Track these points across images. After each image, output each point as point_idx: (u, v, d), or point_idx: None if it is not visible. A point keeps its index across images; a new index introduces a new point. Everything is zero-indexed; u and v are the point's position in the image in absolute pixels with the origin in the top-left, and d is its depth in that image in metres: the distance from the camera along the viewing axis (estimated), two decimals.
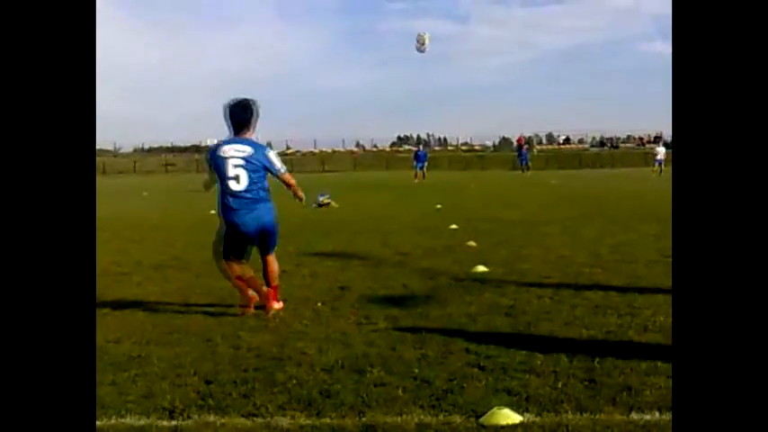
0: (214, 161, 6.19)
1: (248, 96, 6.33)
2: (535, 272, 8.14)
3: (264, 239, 6.37)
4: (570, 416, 3.73)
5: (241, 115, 6.24)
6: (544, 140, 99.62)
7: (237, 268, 6.34)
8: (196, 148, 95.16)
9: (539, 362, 4.64)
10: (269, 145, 6.30)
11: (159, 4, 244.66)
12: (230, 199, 6.14)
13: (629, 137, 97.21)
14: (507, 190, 28.61)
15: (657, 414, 3.71)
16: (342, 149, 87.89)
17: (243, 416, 3.85)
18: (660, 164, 42.64)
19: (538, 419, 3.70)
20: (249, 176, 6.11)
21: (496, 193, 26.90)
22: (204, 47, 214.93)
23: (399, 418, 3.75)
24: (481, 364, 4.61)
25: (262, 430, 3.67)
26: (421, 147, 44.87)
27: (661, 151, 45.22)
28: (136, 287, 7.84)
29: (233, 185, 6.11)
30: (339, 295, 7.03)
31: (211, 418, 3.83)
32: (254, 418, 3.81)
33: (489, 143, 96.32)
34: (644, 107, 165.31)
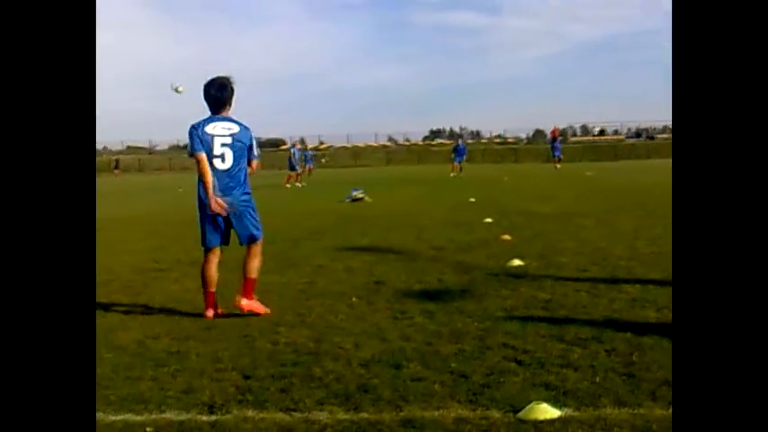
0: (199, 138, 6.02)
1: (225, 74, 6.21)
2: (572, 265, 8.08)
3: (237, 225, 6.21)
4: (609, 410, 3.69)
5: (220, 93, 6.12)
6: (578, 132, 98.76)
7: (214, 258, 6.29)
8: None
9: (576, 356, 4.61)
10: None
11: (190, 2, 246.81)
12: (212, 178, 6.02)
13: (665, 128, 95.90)
14: (541, 182, 28.40)
15: None
16: (375, 144, 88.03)
17: (281, 410, 3.88)
18: None
19: (576, 414, 3.68)
20: (234, 156, 6.05)
21: (530, 185, 26.71)
22: (235, 44, 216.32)
23: (437, 413, 3.75)
24: (518, 359, 4.59)
25: (300, 425, 3.69)
26: (460, 141, 44.56)
27: None
28: (174, 283, 7.93)
29: (217, 164, 6.02)
30: (374, 290, 7.04)
31: (250, 413, 3.86)
32: (293, 413, 3.83)
33: (523, 135, 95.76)
34: None
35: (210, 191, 6.00)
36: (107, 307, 6.58)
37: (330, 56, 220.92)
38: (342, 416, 3.78)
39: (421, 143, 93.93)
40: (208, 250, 6.29)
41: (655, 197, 17.92)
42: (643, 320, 5.45)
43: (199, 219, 6.27)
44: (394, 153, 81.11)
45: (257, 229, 6.34)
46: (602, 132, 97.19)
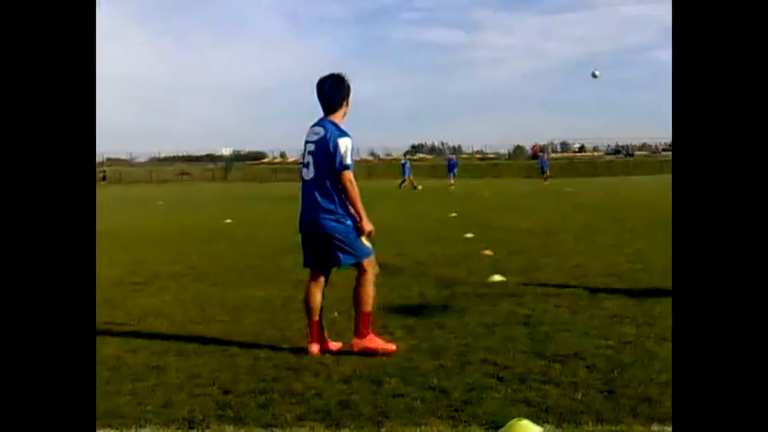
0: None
1: (338, 72, 5.39)
2: (552, 281, 8.11)
3: (323, 249, 5.28)
4: (590, 427, 3.70)
5: (336, 91, 5.33)
6: (559, 148, 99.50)
7: (314, 284, 5.44)
8: (210, 157, 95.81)
9: (557, 372, 4.62)
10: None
11: (172, 16, 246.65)
12: (301, 190, 5.35)
13: (643, 145, 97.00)
14: (522, 198, 28.54)
15: None
16: (356, 158, 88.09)
17: (261, 426, 3.85)
18: None
19: (558, 431, 3.68)
20: (315, 165, 5.21)
21: (511, 201, 26.84)
22: (217, 57, 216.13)
23: (417, 429, 3.74)
24: (499, 375, 4.59)
25: None
26: (453, 156, 46.97)
27: None
28: (152, 297, 7.86)
29: (303, 173, 5.34)
30: None
31: (230, 428, 3.83)
32: (273, 429, 3.81)
33: (504, 151, 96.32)
34: (657, 115, 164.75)
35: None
36: None
37: (311, 70, 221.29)
38: None
39: (402, 157, 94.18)
40: (309, 270, 5.52)
41: (634, 213, 18.05)
42: (623, 337, 5.47)
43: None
44: (376, 167, 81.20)
45: (350, 252, 5.28)
46: (581, 149, 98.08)
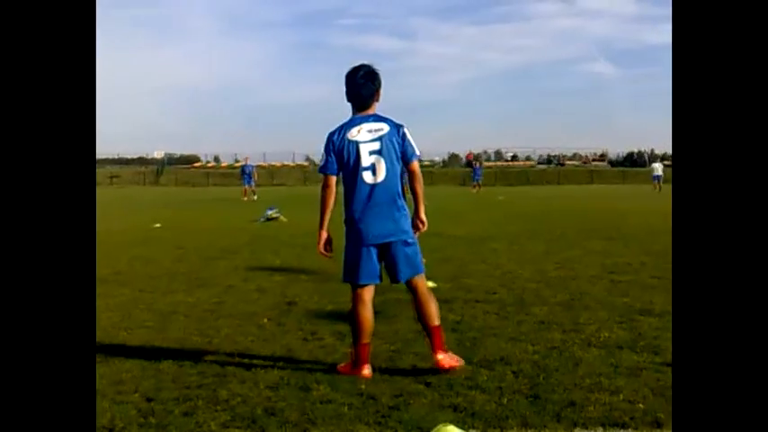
0: (342, 147, 4.79)
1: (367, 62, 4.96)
2: (481, 287, 8.19)
3: (395, 258, 4.85)
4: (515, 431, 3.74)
5: (370, 83, 4.86)
6: (492, 157, 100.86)
7: (366, 297, 4.89)
8: (142, 161, 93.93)
9: (484, 378, 4.65)
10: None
11: (102, 15, 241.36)
12: (359, 197, 4.80)
13: (574, 155, 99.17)
14: (455, 205, 28.80)
15: (602, 430, 3.75)
16: (291, 164, 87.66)
17: None
18: (658, 180, 43.24)
19: None
20: (387, 165, 4.74)
21: (444, 208, 27.04)
22: (151, 58, 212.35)
23: None
24: (427, 381, 4.60)
25: None
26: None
27: (658, 167, 45.72)
28: None
29: (367, 178, 4.75)
30: (286, 311, 6.97)
31: None
32: None
33: (438, 159, 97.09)
34: (588, 126, 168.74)
35: (325, 224, 5.01)
36: None
37: (247, 73, 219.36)
38: None
39: None
40: (358, 288, 4.88)
41: (564, 222, 18.42)
42: (549, 342, 5.55)
43: (345, 248, 4.96)
44: (311, 173, 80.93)
45: (412, 266, 4.92)
46: (514, 157, 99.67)
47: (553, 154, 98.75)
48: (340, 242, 4.98)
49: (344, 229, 4.89)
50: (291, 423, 3.89)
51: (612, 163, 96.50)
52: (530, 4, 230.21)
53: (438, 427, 3.70)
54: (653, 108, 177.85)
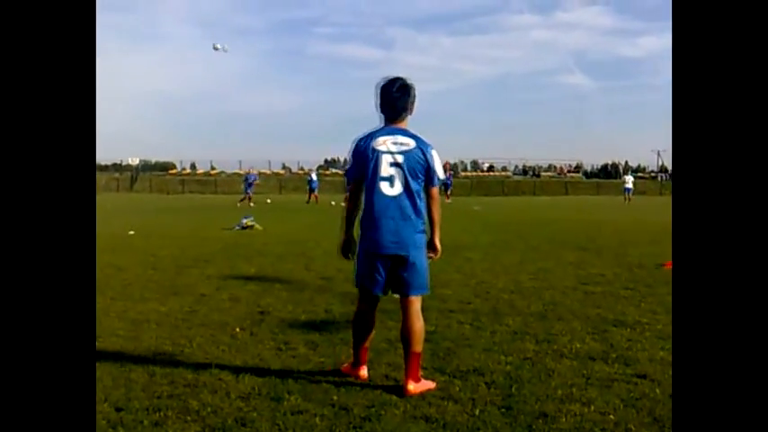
0: (366, 154, 4.74)
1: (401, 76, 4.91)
2: (456, 297, 8.20)
3: (400, 272, 4.74)
4: None
5: (404, 96, 4.82)
6: (469, 167, 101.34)
7: (371, 303, 4.96)
8: (117, 167, 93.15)
9: (457, 388, 4.66)
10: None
11: None
12: (375, 206, 4.73)
13: (550, 166, 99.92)
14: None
15: None
16: (268, 171, 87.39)
17: None
18: (629, 192, 43.90)
19: None
20: (405, 180, 4.70)
21: None
22: (127, 64, 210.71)
23: None
24: (400, 391, 4.59)
25: None
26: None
27: (629, 180, 46.53)
28: None
29: (384, 188, 4.72)
30: (259, 320, 6.92)
31: None
32: None
33: None
34: (564, 137, 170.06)
35: (346, 228, 4.93)
36: None
37: (224, 80, 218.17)
38: None
39: (310, 173, 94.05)
40: (365, 293, 4.93)
41: (539, 233, 18.52)
42: (522, 353, 5.57)
43: (357, 254, 4.90)
44: (287, 181, 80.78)
45: (420, 283, 4.82)
46: (490, 168, 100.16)
47: (529, 165, 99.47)
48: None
49: (359, 234, 4.86)
50: None
51: (587, 174, 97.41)
52: (507, 15, 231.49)
53: None
54: (627, 121, 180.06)
